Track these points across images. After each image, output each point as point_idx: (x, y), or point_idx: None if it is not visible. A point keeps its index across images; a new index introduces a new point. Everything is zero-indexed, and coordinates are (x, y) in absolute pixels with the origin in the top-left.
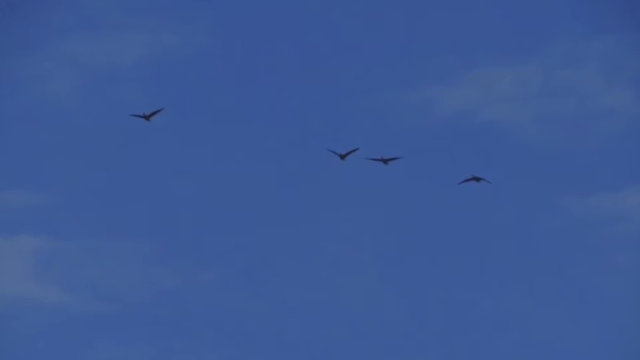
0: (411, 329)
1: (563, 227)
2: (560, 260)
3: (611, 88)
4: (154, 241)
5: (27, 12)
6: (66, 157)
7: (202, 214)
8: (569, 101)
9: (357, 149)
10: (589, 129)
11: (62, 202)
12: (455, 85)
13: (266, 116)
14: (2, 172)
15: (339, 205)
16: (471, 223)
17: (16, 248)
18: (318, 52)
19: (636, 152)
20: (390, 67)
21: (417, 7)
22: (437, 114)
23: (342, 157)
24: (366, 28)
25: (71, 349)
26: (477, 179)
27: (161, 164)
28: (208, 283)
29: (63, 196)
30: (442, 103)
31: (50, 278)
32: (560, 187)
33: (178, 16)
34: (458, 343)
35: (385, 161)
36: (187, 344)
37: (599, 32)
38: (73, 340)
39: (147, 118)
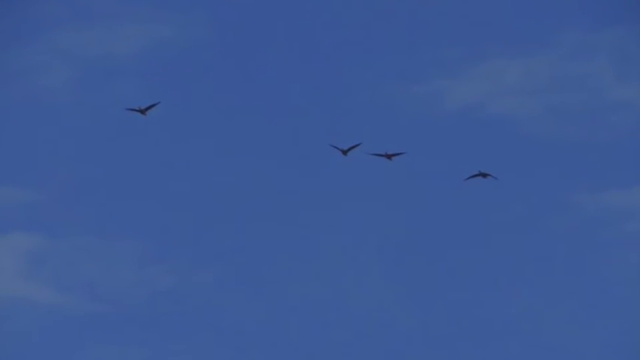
0: (415, 329)
1: (574, 224)
2: (571, 258)
3: (623, 81)
4: (150, 240)
5: (18, 2)
6: (60, 153)
7: (201, 211)
8: (580, 94)
9: (360, 144)
10: (600, 122)
11: (55, 199)
12: (462, 77)
13: (265, 111)
14: None
15: (341, 202)
16: (478, 220)
17: (9, 246)
18: (320, 43)
19: None
20: (395, 59)
21: None
22: (443, 107)
23: (345, 152)
24: (370, 20)
25: (65, 349)
26: (484, 175)
27: (158, 160)
28: (206, 282)
29: (56, 192)
30: (449, 96)
31: (44, 277)
32: (571, 182)
33: (175, 5)
34: (464, 343)
35: (389, 157)
36: (185, 345)
37: (610, 24)
38: (67, 340)
39: (143, 112)
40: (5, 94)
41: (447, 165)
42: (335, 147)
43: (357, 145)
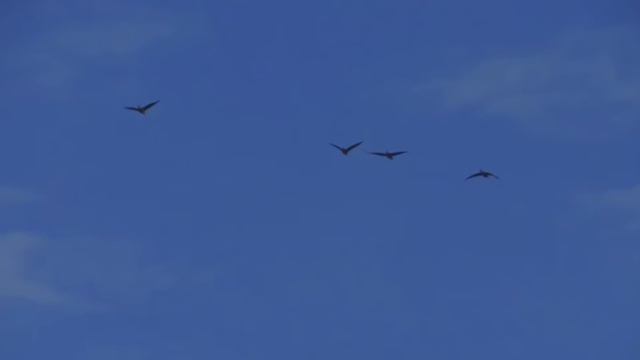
0: (415, 329)
1: (575, 224)
2: (572, 257)
3: (624, 80)
4: (150, 240)
5: (17, 1)
6: (59, 152)
7: (201, 211)
8: (581, 93)
9: (360, 143)
10: (602, 122)
11: (55, 198)
12: (462, 76)
13: (265, 110)
14: None
15: (342, 201)
16: (478, 219)
17: (8, 246)
18: (320, 43)
19: None
20: (395, 58)
21: None
22: (444, 106)
23: (345, 151)
24: (370, 19)
25: (65, 349)
26: (485, 174)
27: (158, 160)
28: (206, 282)
29: (56, 192)
30: (449, 96)
31: (43, 277)
32: (572, 182)
33: (174, 4)
34: (464, 343)
35: (390, 156)
36: (185, 345)
37: (611, 22)
38: (66, 340)
39: (142, 111)
40: (5, 93)
41: (448, 164)
42: (335, 146)
43: (357, 145)
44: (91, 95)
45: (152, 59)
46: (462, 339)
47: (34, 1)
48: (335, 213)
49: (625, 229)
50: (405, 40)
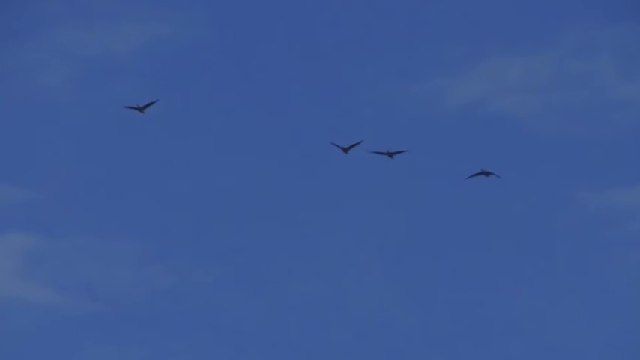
0: (417, 330)
1: (576, 222)
2: (573, 257)
3: (625, 79)
4: (150, 240)
5: (17, 0)
6: (58, 152)
7: (200, 210)
8: (582, 92)
9: (361, 142)
10: (603, 120)
11: (54, 198)
12: (463, 76)
13: (265, 109)
14: None
15: (342, 200)
16: (480, 219)
17: (7, 246)
18: (320, 42)
19: None
20: (396, 57)
21: None
22: (445, 106)
23: (346, 150)
24: (370, 18)
25: (64, 349)
26: (487, 174)
27: (157, 159)
28: (206, 282)
29: (55, 192)
30: (450, 95)
31: (42, 277)
32: (573, 181)
33: (174, 3)
34: (464, 343)
35: (390, 155)
36: (185, 345)
37: (612, 21)
38: (66, 340)
39: (141, 110)
40: (4, 92)
41: (449, 163)
42: (336, 145)
43: (358, 144)
44: (91, 95)
45: (152, 59)
46: (462, 339)
47: (34, 0)
48: (335, 213)
49: (626, 228)
50: (405, 40)
